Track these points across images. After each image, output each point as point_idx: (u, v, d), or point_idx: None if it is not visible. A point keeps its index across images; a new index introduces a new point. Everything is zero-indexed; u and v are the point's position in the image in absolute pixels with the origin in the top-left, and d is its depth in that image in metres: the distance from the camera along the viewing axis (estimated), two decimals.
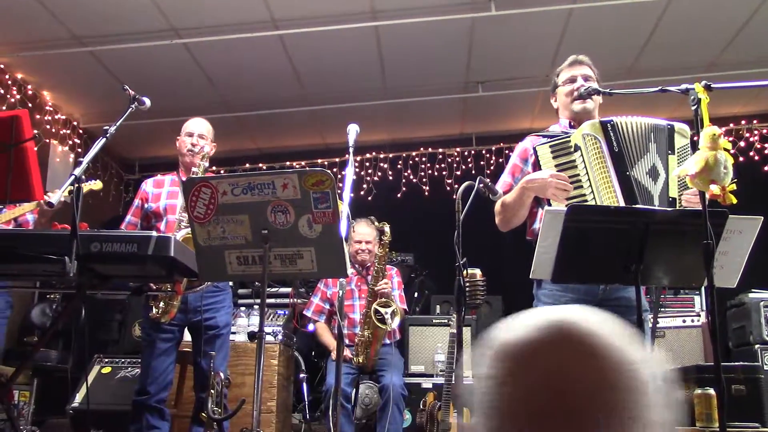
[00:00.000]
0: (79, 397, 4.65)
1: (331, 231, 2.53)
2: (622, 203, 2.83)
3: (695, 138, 2.51)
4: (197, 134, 4.01)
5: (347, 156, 3.25)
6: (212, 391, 2.87)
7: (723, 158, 2.41)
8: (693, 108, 2.56)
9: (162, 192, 3.94)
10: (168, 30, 5.46)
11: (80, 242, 2.59)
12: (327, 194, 2.49)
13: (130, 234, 2.71)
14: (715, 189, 2.41)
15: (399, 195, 7.45)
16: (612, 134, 2.89)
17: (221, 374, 3.00)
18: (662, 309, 4.54)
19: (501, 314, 6.30)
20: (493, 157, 7.42)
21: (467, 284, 2.97)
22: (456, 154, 7.56)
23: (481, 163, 7.43)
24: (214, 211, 2.59)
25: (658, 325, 4.15)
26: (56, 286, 4.20)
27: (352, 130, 3.33)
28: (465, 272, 2.80)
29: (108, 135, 3.03)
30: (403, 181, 7.50)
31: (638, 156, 2.89)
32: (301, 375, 5.46)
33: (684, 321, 4.37)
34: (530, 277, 2.74)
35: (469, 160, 7.53)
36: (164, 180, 3.99)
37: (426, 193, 7.38)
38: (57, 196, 2.69)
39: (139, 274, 2.95)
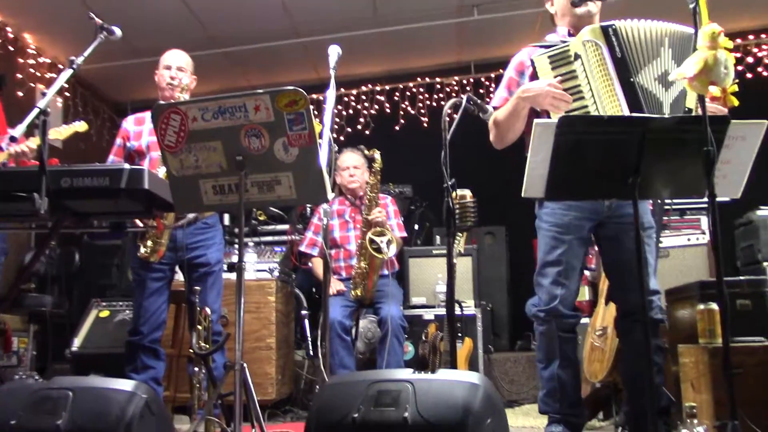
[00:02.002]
0: (78, 341, 4.62)
1: (308, 154, 2.39)
2: (626, 112, 2.68)
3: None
4: (176, 66, 3.84)
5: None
6: (198, 327, 2.78)
7: (723, 58, 2.25)
8: (691, 6, 2.39)
9: (143, 129, 3.80)
10: None
11: (49, 178, 2.48)
12: (302, 115, 2.35)
13: (102, 167, 2.58)
14: (714, 91, 2.27)
15: (397, 127, 7.27)
16: (614, 39, 2.71)
17: (207, 310, 2.90)
18: (666, 229, 4.42)
19: (505, 245, 6.21)
20: (493, 85, 7.19)
21: (456, 206, 2.85)
22: (454, 83, 7.35)
23: (481, 91, 7.22)
24: (185, 139, 2.45)
25: (662, 245, 4.03)
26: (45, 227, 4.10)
27: (333, 52, 3.19)
28: (454, 194, 2.68)
29: (75, 65, 2.87)
30: (401, 113, 7.31)
31: (645, 62, 2.71)
32: (303, 312, 5.40)
33: (689, 239, 4.24)
34: (522, 195, 2.60)
35: (468, 88, 7.31)
36: (145, 117, 3.84)
37: (425, 125, 7.19)
38: (20, 129, 2.56)
39: (114, 210, 2.84)
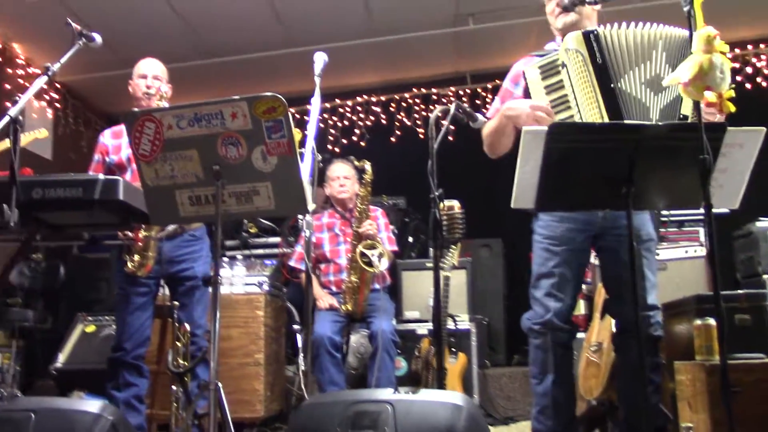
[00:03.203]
0: (62, 357, 4.52)
1: (287, 163, 2.30)
2: (606, 120, 2.58)
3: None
4: (152, 75, 3.75)
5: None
6: (177, 343, 2.68)
7: (719, 62, 2.16)
8: (685, 9, 2.30)
9: (122, 142, 3.70)
10: None
11: (20, 188, 2.39)
12: (280, 122, 2.25)
13: (75, 177, 2.50)
14: (710, 96, 2.17)
15: (393, 139, 7.18)
16: (595, 45, 2.62)
17: (186, 326, 2.80)
18: (664, 241, 4.32)
19: (501, 258, 6.11)
20: (489, 96, 7.11)
21: (444, 218, 2.75)
22: (450, 93, 7.25)
23: (477, 102, 7.13)
24: (160, 148, 2.36)
25: (659, 258, 3.92)
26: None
27: (320, 59, 3.10)
28: (441, 204, 2.58)
29: (50, 72, 2.77)
30: (397, 124, 7.22)
31: (630, 66, 2.62)
32: (295, 326, 5.30)
33: (686, 252, 4.14)
34: (512, 206, 2.51)
35: (464, 99, 7.22)
36: (122, 130, 3.73)
37: (421, 136, 7.10)
38: None
39: (89, 222, 2.76)
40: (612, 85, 2.60)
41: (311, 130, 2.78)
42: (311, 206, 2.41)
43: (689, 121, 2.58)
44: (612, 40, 2.63)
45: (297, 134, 2.35)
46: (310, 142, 2.73)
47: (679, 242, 4.46)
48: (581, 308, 4.24)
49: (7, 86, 5.82)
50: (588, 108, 2.62)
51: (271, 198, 2.36)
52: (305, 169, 2.55)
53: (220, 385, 2.23)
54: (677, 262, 4.12)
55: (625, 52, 2.62)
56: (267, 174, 2.32)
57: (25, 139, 3.50)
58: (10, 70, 6.00)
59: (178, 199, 2.43)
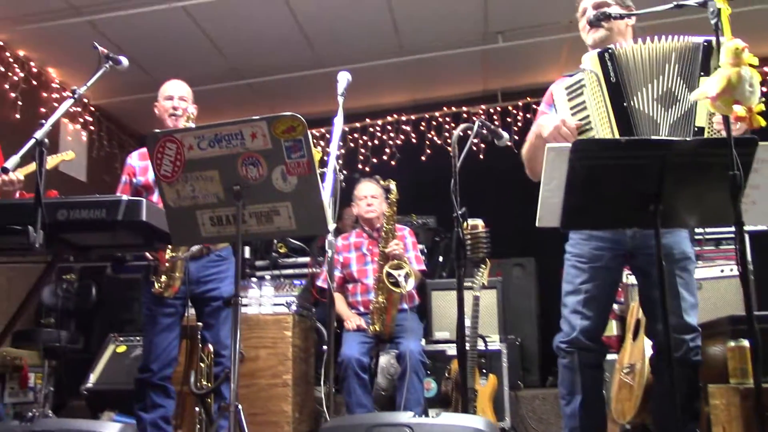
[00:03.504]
0: (93, 377, 4.55)
1: (307, 183, 2.28)
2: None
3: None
4: (177, 96, 3.78)
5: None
6: (201, 364, 2.67)
7: (748, 75, 2.10)
8: (713, 21, 2.24)
9: (148, 164, 3.72)
10: None
11: (45, 210, 2.41)
12: (300, 142, 2.24)
13: (99, 199, 2.50)
14: (739, 110, 2.10)
15: (423, 158, 7.16)
16: (609, 64, 2.58)
17: (210, 347, 2.79)
18: (700, 260, 4.21)
19: (534, 277, 6.02)
20: (520, 113, 7.07)
21: (467, 236, 2.71)
22: (481, 112, 7.21)
23: (508, 119, 7.09)
24: (181, 168, 2.36)
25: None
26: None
27: (343, 78, 3.11)
28: (465, 224, 2.54)
29: (76, 96, 2.81)
30: (427, 143, 7.21)
31: (643, 83, 2.57)
32: (324, 347, 5.27)
33: (722, 271, 4.02)
34: (536, 225, 2.46)
35: (495, 117, 7.18)
36: None
37: (451, 155, 7.05)
38: (14, 160, 2.49)
39: (114, 243, 2.76)
40: (624, 104, 2.57)
41: (333, 149, 2.76)
42: (332, 226, 2.38)
43: (705, 133, 2.52)
44: (628, 57, 2.59)
45: (317, 154, 2.34)
46: (333, 162, 2.71)
47: (716, 261, 4.34)
48: (613, 329, 4.14)
49: (43, 110, 5.93)
50: (602, 127, 2.58)
51: (291, 218, 2.34)
52: (327, 188, 2.54)
53: (240, 406, 2.21)
54: (713, 282, 4.00)
55: (640, 68, 2.58)
56: (287, 194, 2.31)
57: (51, 161, 3.52)
58: (45, 94, 6.12)
59: (199, 219, 2.42)
